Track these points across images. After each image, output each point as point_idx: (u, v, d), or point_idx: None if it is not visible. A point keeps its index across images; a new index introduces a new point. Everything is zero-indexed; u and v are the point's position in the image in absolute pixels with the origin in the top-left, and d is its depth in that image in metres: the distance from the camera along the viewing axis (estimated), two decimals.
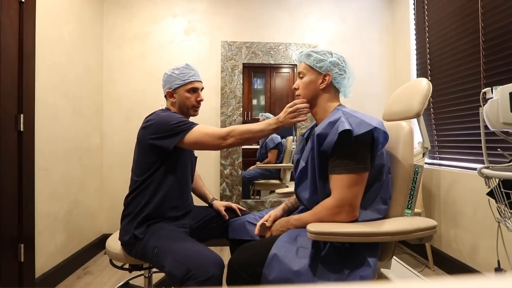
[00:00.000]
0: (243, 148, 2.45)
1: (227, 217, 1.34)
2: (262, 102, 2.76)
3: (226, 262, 0.99)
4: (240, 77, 2.43)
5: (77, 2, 2.03)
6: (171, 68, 1.27)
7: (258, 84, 2.76)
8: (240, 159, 2.43)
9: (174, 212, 1.20)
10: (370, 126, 0.89)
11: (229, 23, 2.48)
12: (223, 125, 2.41)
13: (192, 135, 1.10)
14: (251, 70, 2.66)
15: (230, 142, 1.10)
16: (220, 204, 1.39)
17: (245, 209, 1.44)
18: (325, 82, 1.03)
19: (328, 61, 1.02)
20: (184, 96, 1.24)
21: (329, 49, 1.07)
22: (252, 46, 2.44)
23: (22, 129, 1.50)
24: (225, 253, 2.12)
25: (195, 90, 1.25)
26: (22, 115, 1.50)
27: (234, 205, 1.40)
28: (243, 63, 2.44)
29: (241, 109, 2.43)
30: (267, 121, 1.11)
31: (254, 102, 2.75)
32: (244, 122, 2.46)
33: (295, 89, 1.09)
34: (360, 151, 0.91)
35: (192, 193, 1.37)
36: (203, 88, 1.30)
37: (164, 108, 1.29)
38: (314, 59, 1.03)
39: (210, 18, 2.47)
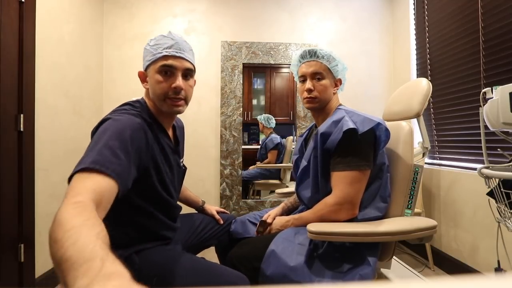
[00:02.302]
0: (243, 148, 2.45)
1: (222, 221, 1.20)
2: (262, 102, 2.76)
3: None
4: (240, 77, 2.43)
5: (77, 2, 2.03)
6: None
7: (258, 84, 2.76)
8: (240, 159, 2.43)
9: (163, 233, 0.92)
10: (373, 122, 0.90)
11: (229, 23, 2.48)
12: (223, 125, 2.41)
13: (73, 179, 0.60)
14: (251, 70, 2.66)
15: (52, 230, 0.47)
16: (213, 208, 1.24)
17: (228, 212, 1.33)
18: (338, 87, 1.04)
19: (344, 65, 1.03)
20: (153, 80, 0.83)
21: (330, 49, 1.07)
22: (252, 46, 2.44)
23: (22, 129, 1.50)
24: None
25: (171, 71, 0.81)
26: (22, 115, 1.50)
27: (222, 209, 1.29)
28: (243, 63, 2.44)
29: (241, 109, 2.43)
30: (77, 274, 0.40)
31: (254, 102, 2.75)
32: (244, 122, 2.47)
33: (311, 90, 1.00)
34: (364, 149, 0.91)
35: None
36: (189, 70, 0.84)
37: (139, 98, 0.91)
38: (337, 62, 1.02)
39: (210, 18, 2.47)
